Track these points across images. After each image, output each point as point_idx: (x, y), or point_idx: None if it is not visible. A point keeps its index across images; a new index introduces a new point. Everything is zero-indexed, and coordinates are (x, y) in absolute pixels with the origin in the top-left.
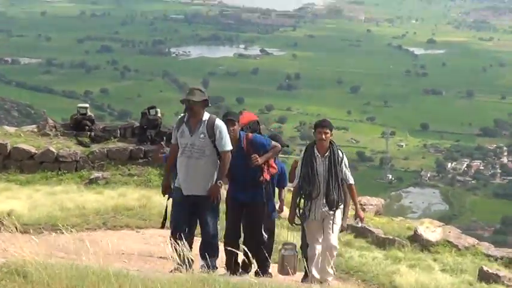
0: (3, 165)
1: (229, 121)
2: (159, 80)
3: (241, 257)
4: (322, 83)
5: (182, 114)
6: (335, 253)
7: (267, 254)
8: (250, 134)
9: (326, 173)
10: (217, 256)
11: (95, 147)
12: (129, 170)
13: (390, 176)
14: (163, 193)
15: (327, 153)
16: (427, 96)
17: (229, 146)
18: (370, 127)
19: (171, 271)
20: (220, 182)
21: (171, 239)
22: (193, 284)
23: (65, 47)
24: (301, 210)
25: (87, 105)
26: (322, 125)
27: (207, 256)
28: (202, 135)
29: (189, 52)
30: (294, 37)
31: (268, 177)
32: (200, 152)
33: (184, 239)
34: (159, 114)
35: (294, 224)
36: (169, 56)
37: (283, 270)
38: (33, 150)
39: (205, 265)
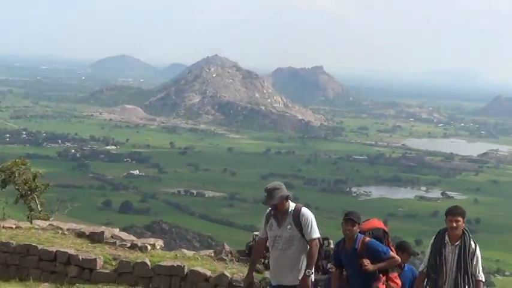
0: (179, 286)
1: (348, 220)
2: (339, 218)
3: None
4: (503, 228)
5: (270, 209)
6: None
7: None
8: (367, 238)
9: (455, 263)
10: None
11: (268, 274)
12: None
13: None
14: None
15: (458, 242)
16: None
17: (316, 234)
18: None
19: None
20: (308, 271)
21: None
22: None
23: (249, 183)
24: None
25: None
26: (453, 213)
27: None
28: (289, 226)
29: (370, 192)
30: (476, 182)
31: (383, 287)
32: (289, 242)
33: None
34: (332, 246)
35: None
36: (350, 195)
37: None
38: (208, 273)
39: None
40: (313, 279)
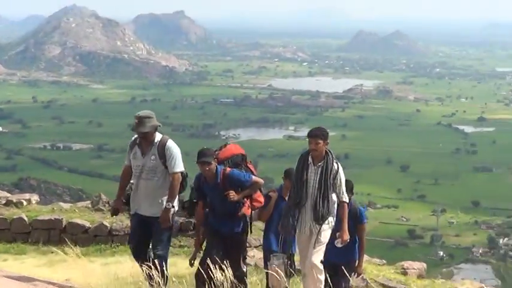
0: (59, 239)
1: (202, 163)
2: None
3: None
4: (371, 162)
5: (135, 136)
6: (318, 275)
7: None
8: (228, 169)
9: (317, 183)
10: (166, 278)
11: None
12: (179, 241)
13: (441, 253)
14: (112, 215)
15: (321, 163)
16: (478, 173)
17: (179, 168)
18: (421, 205)
19: None
20: (169, 204)
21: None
22: None
23: (116, 133)
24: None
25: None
26: (311, 135)
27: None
28: (153, 157)
29: (239, 135)
30: (343, 118)
31: (248, 212)
32: (152, 173)
33: (144, 262)
34: None
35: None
36: (219, 139)
37: (274, 281)
38: (87, 224)
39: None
40: (174, 211)
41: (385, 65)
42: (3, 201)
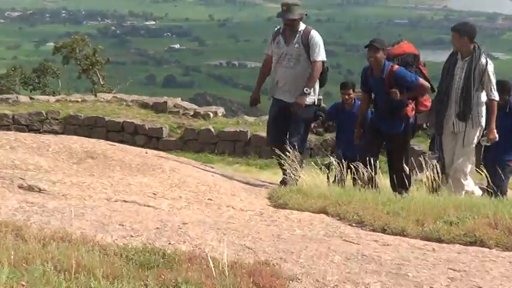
0: (244, 151)
1: (370, 46)
2: None
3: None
4: None
5: (278, 27)
6: (463, 180)
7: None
8: (395, 66)
9: (462, 78)
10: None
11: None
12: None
13: None
14: (251, 104)
15: (468, 58)
16: None
17: (320, 57)
18: None
19: None
20: (307, 89)
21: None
22: None
23: None
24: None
25: (320, 97)
26: (454, 29)
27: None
28: (297, 45)
29: None
30: None
31: (411, 113)
32: (295, 60)
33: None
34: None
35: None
36: None
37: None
38: None
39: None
40: (313, 101)
41: None
42: (191, 113)
